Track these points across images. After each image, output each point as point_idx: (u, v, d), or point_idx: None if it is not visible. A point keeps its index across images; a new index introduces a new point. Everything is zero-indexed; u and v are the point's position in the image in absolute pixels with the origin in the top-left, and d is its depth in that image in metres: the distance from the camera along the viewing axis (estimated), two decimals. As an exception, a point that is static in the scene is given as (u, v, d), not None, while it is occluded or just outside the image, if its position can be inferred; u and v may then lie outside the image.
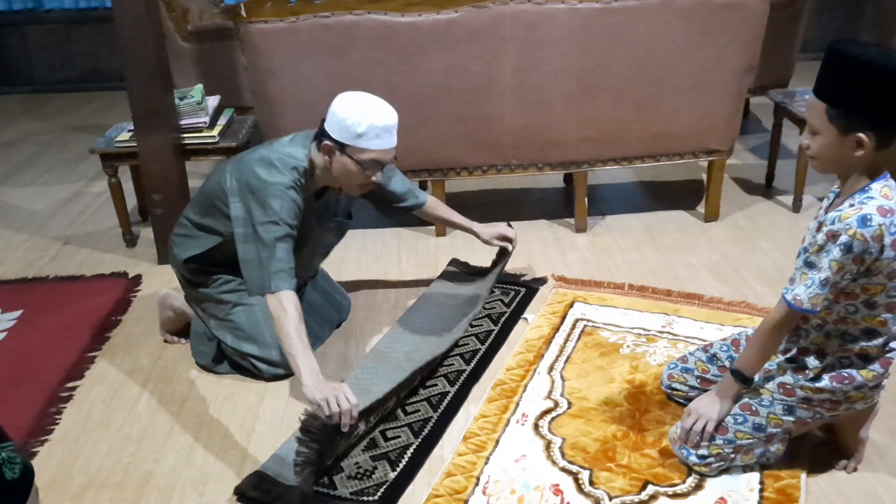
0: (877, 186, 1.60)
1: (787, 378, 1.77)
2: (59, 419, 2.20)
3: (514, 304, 2.65)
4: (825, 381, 1.72)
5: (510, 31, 2.85)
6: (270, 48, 2.87)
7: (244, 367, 2.34)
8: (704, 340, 2.37)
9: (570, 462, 1.91)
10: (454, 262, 2.95)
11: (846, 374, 1.71)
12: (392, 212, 2.61)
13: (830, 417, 1.80)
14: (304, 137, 2.23)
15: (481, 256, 3.01)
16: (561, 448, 1.96)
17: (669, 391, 2.11)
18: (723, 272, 2.83)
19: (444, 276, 2.86)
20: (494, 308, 2.63)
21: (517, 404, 2.14)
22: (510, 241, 2.65)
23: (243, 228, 2.11)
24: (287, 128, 3.00)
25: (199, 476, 1.96)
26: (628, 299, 2.66)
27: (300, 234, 2.20)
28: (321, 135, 2.13)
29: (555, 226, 3.31)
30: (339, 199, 2.40)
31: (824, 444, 1.91)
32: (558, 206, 3.52)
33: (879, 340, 1.70)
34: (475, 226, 2.66)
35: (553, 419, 2.07)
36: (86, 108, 5.71)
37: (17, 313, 2.77)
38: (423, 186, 3.73)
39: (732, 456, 1.80)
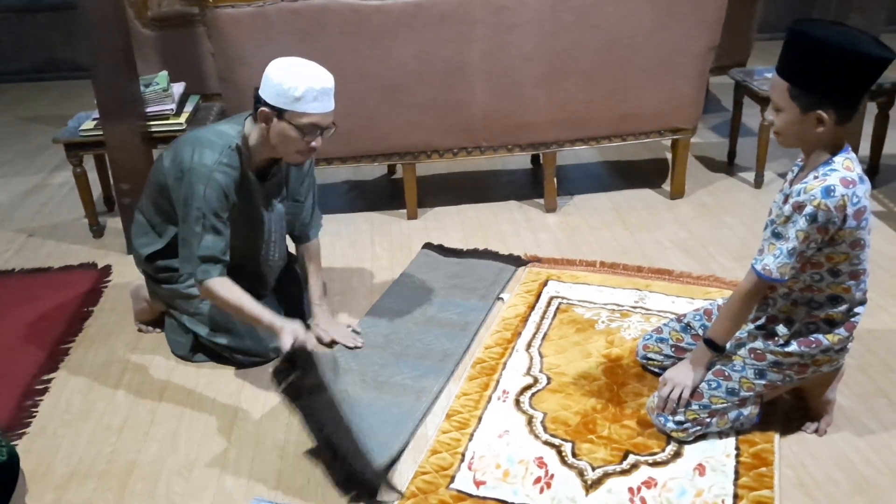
0: (839, 159, 1.66)
1: (758, 344, 1.84)
2: (36, 412, 2.17)
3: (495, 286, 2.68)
4: (794, 346, 1.80)
5: (480, 15, 2.87)
6: (239, 34, 2.85)
7: (223, 356, 2.34)
8: (676, 314, 2.43)
9: (553, 435, 1.95)
10: (427, 245, 2.97)
11: (813, 339, 1.79)
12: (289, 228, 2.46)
13: (799, 380, 1.88)
14: (241, 116, 2.21)
15: (454, 239, 3.05)
16: (543, 422, 2.00)
17: (645, 361, 2.17)
18: (690, 248, 2.91)
19: (418, 260, 2.88)
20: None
21: (497, 381, 2.18)
22: (332, 345, 2.42)
23: (181, 208, 2.11)
24: (256, 114, 2.99)
25: (184, 463, 1.96)
26: (601, 276, 2.71)
27: (251, 218, 2.19)
28: (257, 102, 2.08)
29: (525, 206, 3.35)
30: (287, 179, 2.35)
31: (795, 410, 1.99)
32: (527, 187, 3.56)
33: (844, 306, 1.77)
34: (317, 309, 2.45)
35: (533, 395, 2.12)
36: (42, 98, 5.57)
37: (-15, 307, 2.72)
38: (393, 170, 3.76)
39: (708, 420, 1.87)
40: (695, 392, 1.87)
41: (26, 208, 3.62)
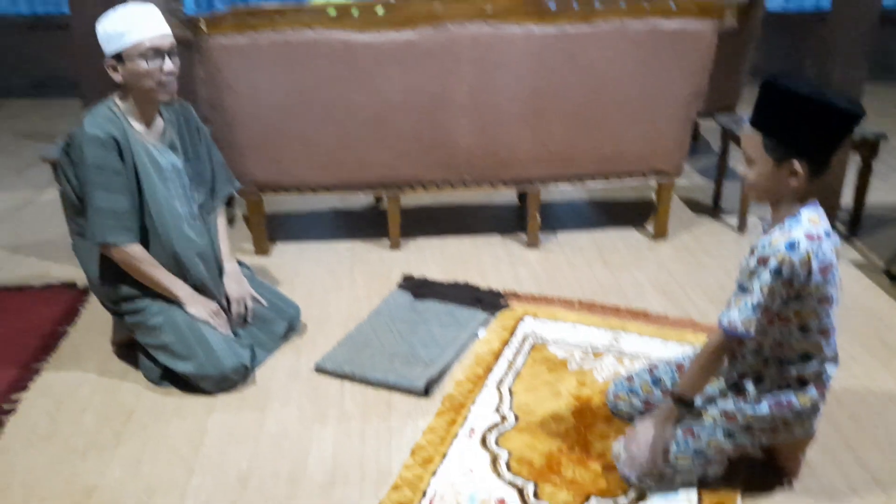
0: (806, 213, 1.67)
1: (729, 404, 1.82)
2: (2, 431, 2.16)
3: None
4: (765, 408, 1.78)
5: (467, 53, 2.91)
6: (230, 62, 2.88)
7: (190, 384, 2.34)
8: (650, 357, 2.44)
9: (516, 475, 1.94)
10: (407, 278, 2.98)
11: (785, 401, 1.77)
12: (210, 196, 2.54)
13: (769, 443, 1.86)
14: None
15: (434, 271, 3.06)
16: (507, 462, 1.99)
17: (615, 409, 2.16)
18: (669, 290, 2.92)
19: (397, 292, 2.88)
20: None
21: (465, 418, 2.17)
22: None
23: (87, 176, 2.17)
24: (244, 142, 3.02)
25: (144, 488, 1.94)
26: (577, 315, 2.72)
27: (149, 175, 2.24)
28: (102, 61, 2.19)
29: (507, 241, 3.37)
30: (178, 133, 2.39)
31: (761, 465, 1.96)
32: (512, 222, 3.58)
33: (814, 365, 1.76)
34: (227, 267, 2.53)
35: (501, 434, 2.11)
36: (37, 115, 5.62)
37: (-39, 323, 2.72)
38: (379, 199, 3.78)
39: (672, 477, 1.86)
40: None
41: (12, 224, 3.63)
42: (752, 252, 1.70)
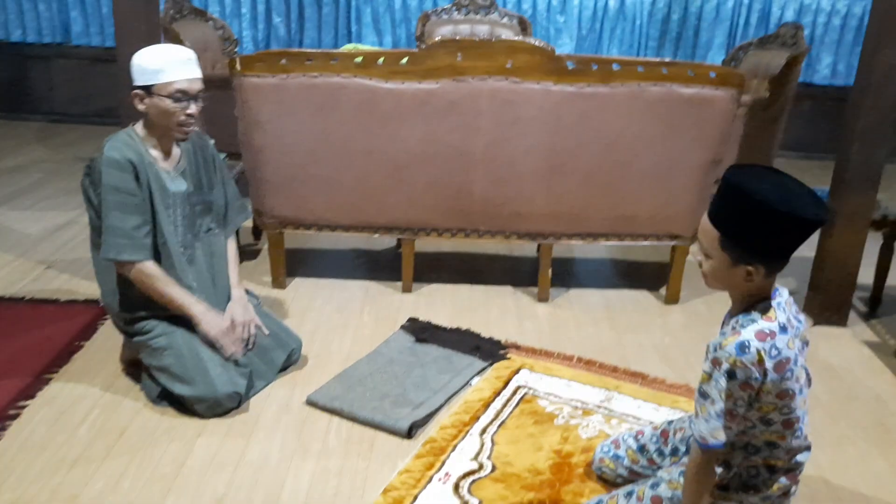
0: (760, 309, 1.61)
1: None
2: (2, 435, 2.27)
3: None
4: (731, 491, 1.75)
5: (486, 106, 2.99)
6: (260, 101, 3.03)
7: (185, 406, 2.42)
8: (639, 419, 2.43)
9: (482, 525, 1.95)
10: (411, 321, 3.03)
11: (752, 485, 1.73)
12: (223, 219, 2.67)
13: None
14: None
15: (441, 317, 3.10)
16: (476, 510, 2.00)
17: (599, 472, 2.14)
18: (671, 355, 2.89)
19: (399, 333, 2.93)
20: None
21: (443, 462, 2.19)
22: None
23: (104, 197, 2.30)
24: (269, 178, 3.15)
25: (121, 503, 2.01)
26: (573, 371, 2.72)
27: (160, 201, 2.36)
28: (131, 90, 2.31)
29: (519, 293, 3.40)
30: (192, 164, 2.50)
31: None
32: (527, 275, 3.61)
33: (780, 453, 1.71)
34: (234, 293, 2.63)
35: (474, 481, 2.12)
36: (96, 141, 5.87)
37: (-14, 330, 2.87)
38: (401, 243, 3.86)
39: None
40: None
41: (52, 241, 3.83)
42: (706, 353, 1.64)
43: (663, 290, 3.45)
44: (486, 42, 2.97)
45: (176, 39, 4.20)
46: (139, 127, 2.41)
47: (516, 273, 3.64)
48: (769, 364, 1.57)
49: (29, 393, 2.49)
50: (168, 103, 2.30)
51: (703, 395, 1.63)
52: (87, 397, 2.49)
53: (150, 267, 2.36)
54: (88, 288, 3.28)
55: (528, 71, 2.94)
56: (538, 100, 2.98)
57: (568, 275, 3.62)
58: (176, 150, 2.47)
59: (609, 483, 2.10)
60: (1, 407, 2.40)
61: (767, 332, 1.58)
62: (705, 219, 1.62)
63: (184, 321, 2.44)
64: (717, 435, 1.61)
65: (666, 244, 3.28)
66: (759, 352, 1.56)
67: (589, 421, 2.42)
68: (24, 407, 2.41)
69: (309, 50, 2.95)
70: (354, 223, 3.24)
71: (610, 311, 3.27)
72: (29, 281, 3.35)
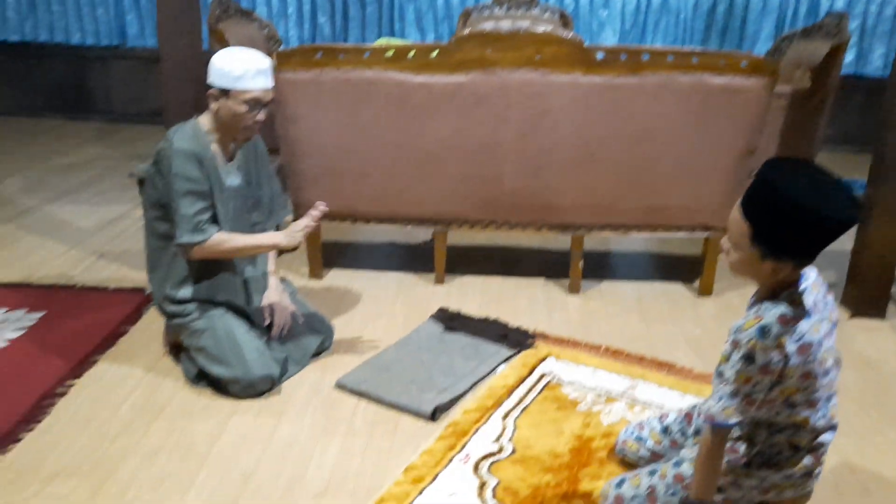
0: (786, 295, 1.61)
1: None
2: (50, 411, 2.41)
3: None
4: (753, 468, 1.75)
5: (516, 98, 3.03)
6: (295, 96, 3.13)
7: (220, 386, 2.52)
8: (663, 406, 2.44)
9: (499, 503, 1.99)
10: (441, 310, 3.09)
11: (775, 463, 1.73)
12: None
13: (760, 499, 1.82)
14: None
15: (471, 307, 3.15)
16: (494, 489, 2.05)
17: (621, 454, 2.17)
18: (701, 346, 2.88)
19: (429, 322, 2.99)
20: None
21: (465, 445, 2.24)
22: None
23: (174, 185, 2.40)
24: (304, 171, 3.25)
25: (157, 476, 2.12)
26: (599, 360, 2.73)
27: (218, 192, 2.45)
28: (207, 87, 2.41)
29: (550, 285, 3.42)
30: (248, 161, 2.60)
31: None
32: (559, 267, 3.61)
33: (805, 434, 1.71)
34: (271, 281, 2.73)
35: (494, 462, 2.16)
36: (152, 140, 6.10)
37: (41, 314, 3.03)
38: (432, 236, 3.92)
39: None
40: (651, 493, 1.86)
41: (105, 233, 4.01)
42: (728, 334, 1.64)
43: (698, 283, 3.43)
44: (514, 34, 3.00)
45: (221, 39, 4.33)
46: (204, 120, 2.50)
47: (549, 265, 3.66)
48: (792, 348, 1.57)
49: (77, 372, 2.63)
50: (242, 109, 2.40)
51: (720, 374, 1.64)
52: (130, 377, 2.62)
53: (219, 236, 2.45)
54: (136, 276, 3.43)
55: (556, 62, 2.96)
56: (567, 91, 3.00)
57: (601, 268, 3.62)
58: (232, 146, 2.58)
59: (630, 466, 2.12)
60: (51, 385, 2.54)
61: (791, 316, 1.58)
62: (736, 211, 1.61)
63: (222, 305, 2.55)
64: (727, 412, 1.61)
65: (698, 236, 3.27)
66: (779, 337, 1.56)
67: (612, 408, 2.44)
68: (71, 385, 2.56)
69: (341, 45, 3.02)
70: (387, 215, 3.31)
71: (641, 302, 3.27)
72: (81, 270, 3.52)
